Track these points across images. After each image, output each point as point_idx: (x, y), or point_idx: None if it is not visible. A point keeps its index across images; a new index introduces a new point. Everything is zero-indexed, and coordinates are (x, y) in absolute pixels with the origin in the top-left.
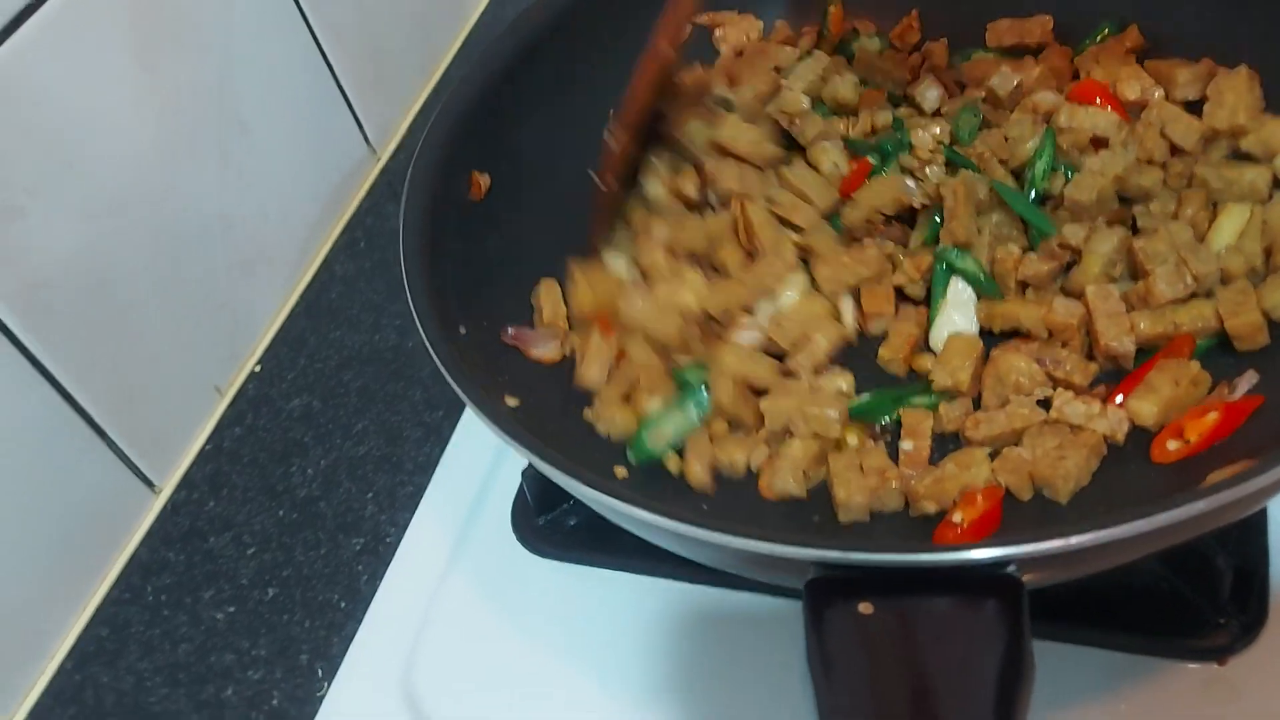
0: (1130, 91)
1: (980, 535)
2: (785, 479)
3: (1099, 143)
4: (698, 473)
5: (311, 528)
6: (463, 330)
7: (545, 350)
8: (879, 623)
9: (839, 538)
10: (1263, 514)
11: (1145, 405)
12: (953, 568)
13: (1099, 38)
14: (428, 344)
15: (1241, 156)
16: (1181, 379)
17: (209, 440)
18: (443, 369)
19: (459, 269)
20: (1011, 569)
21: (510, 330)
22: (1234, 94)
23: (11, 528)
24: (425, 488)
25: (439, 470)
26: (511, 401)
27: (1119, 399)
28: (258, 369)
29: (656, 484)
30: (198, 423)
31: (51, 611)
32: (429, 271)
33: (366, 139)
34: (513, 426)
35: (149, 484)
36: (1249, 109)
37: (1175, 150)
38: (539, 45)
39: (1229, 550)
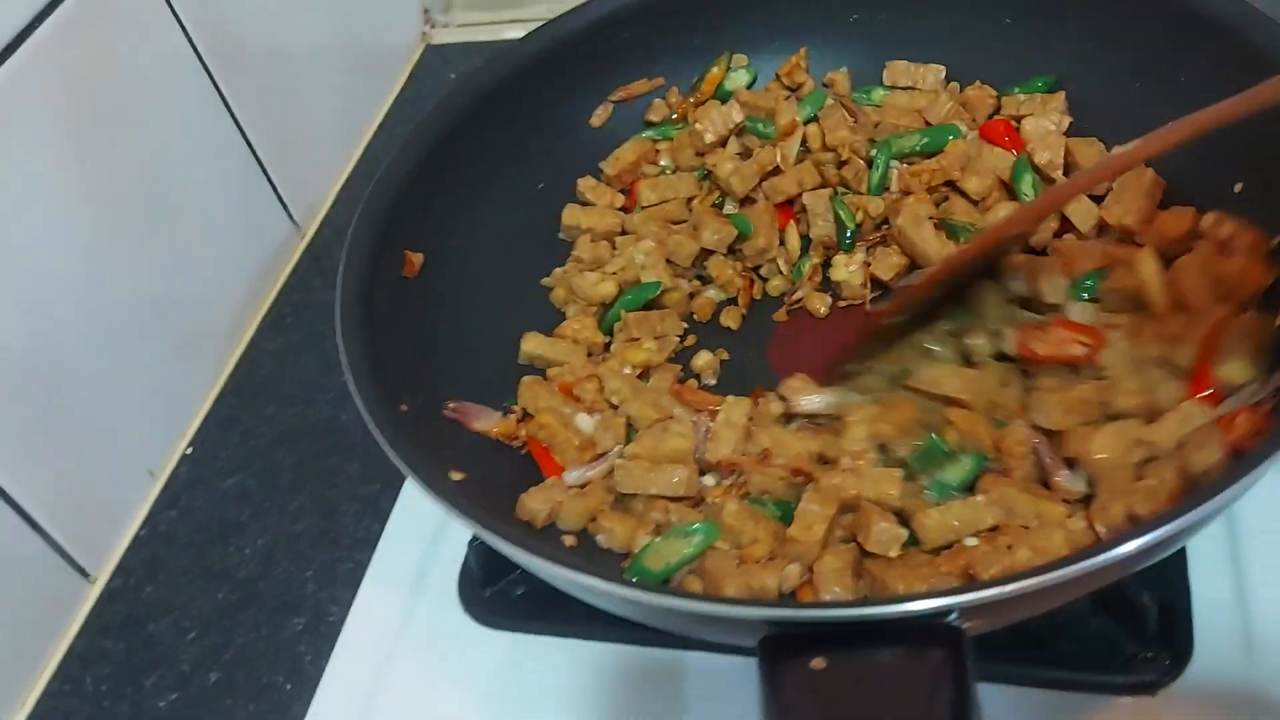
0: (1040, 155)
1: None
2: (831, 588)
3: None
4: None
5: (252, 608)
6: (404, 407)
7: (486, 423)
8: (831, 677)
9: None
10: (1182, 554)
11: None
12: (896, 620)
13: (1033, 88)
14: (368, 419)
15: None
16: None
17: (144, 525)
18: (384, 444)
19: (396, 346)
20: (953, 618)
21: (450, 404)
22: (1134, 194)
23: None
24: (366, 563)
25: (381, 544)
26: (456, 475)
27: None
28: (189, 450)
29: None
30: (131, 508)
31: None
32: (366, 349)
33: (291, 216)
34: (458, 500)
35: (84, 573)
36: (1141, 212)
37: (1066, 230)
38: (465, 125)
39: (1154, 588)
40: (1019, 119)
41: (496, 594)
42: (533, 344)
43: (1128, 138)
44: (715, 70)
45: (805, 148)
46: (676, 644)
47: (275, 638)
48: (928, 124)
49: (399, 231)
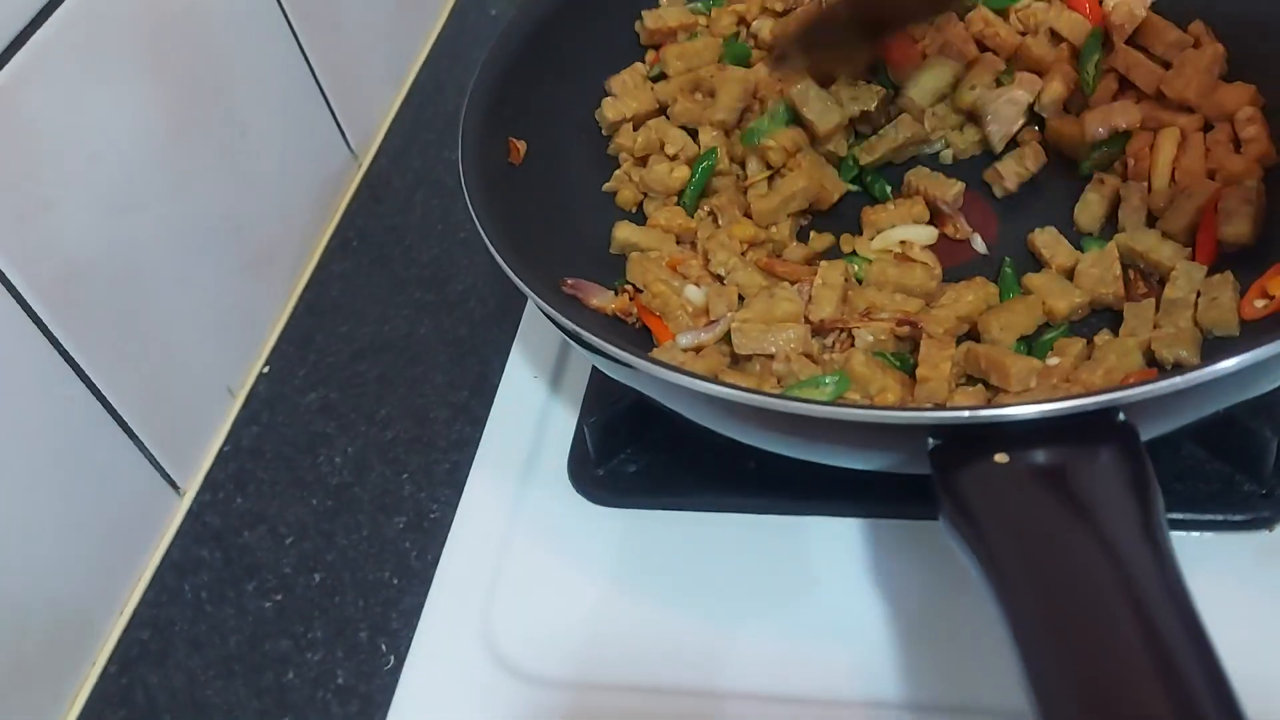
0: (1118, 17)
1: None
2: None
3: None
4: None
5: (349, 512)
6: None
7: (603, 300)
8: (1014, 470)
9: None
10: None
11: None
12: (1071, 415)
13: None
14: (505, 266)
15: None
16: None
17: (227, 441)
18: (529, 292)
19: (511, 225)
20: (1122, 416)
21: (569, 280)
22: (1195, 68)
23: (48, 529)
24: (463, 463)
25: (485, 434)
26: None
27: None
28: (266, 370)
29: None
30: (213, 424)
31: (88, 615)
32: (495, 220)
33: (348, 145)
34: (612, 336)
35: (174, 486)
36: (1201, 87)
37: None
38: (549, 24)
39: (1272, 423)
40: None
41: (610, 472)
42: (625, 232)
43: None
44: None
45: None
46: (797, 509)
47: (377, 537)
48: None
49: (503, 119)
